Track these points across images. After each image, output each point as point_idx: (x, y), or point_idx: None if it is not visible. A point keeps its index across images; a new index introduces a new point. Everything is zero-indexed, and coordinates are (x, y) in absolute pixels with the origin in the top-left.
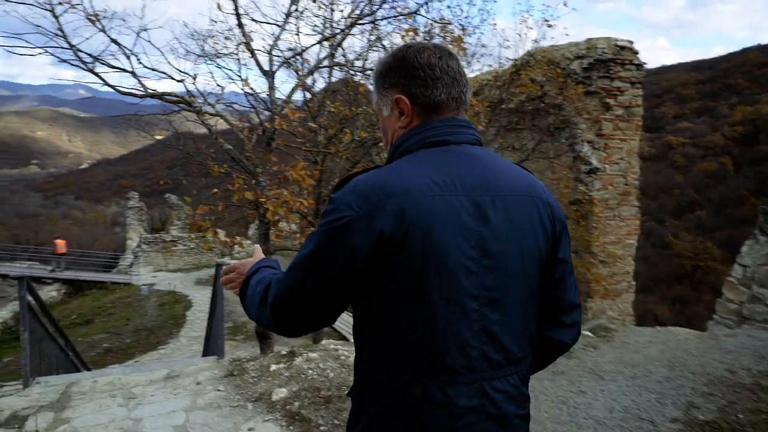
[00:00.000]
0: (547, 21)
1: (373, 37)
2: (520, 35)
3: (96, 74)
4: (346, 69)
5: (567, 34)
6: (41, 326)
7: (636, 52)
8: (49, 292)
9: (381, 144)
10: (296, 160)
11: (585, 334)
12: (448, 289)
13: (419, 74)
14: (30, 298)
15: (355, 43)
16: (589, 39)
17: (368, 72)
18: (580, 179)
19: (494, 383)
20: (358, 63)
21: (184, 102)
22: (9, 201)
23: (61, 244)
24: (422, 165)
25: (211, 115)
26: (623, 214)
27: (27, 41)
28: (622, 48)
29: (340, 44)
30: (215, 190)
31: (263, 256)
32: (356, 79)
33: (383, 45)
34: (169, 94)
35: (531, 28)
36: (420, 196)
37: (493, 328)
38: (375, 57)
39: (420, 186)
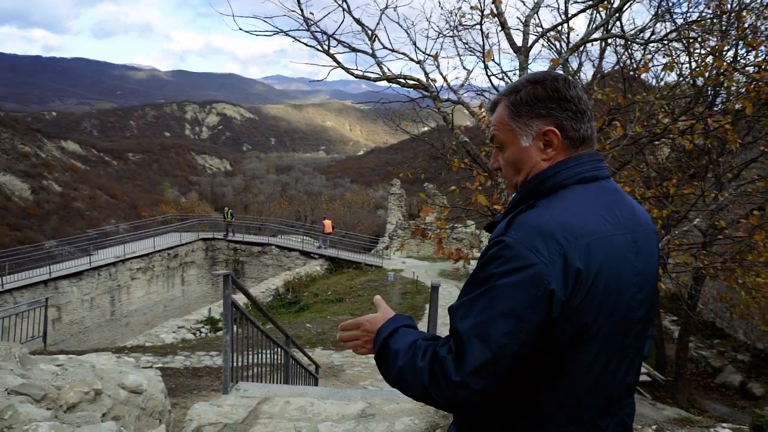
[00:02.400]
0: None
1: (663, 5)
2: None
3: (330, 55)
4: (625, 43)
5: None
6: (251, 324)
7: None
8: (313, 267)
9: (657, 142)
10: None
11: None
12: (620, 327)
13: (571, 107)
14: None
15: (635, 12)
16: None
17: (651, 47)
18: None
19: (627, 409)
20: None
21: (421, 86)
22: (301, 180)
23: (328, 224)
24: (590, 202)
25: (452, 102)
26: None
27: (273, 24)
28: None
29: (619, 10)
30: (453, 187)
31: (389, 309)
32: (635, 58)
33: (673, 18)
34: (405, 77)
35: None
36: (602, 236)
37: (636, 361)
38: (661, 30)
39: (598, 225)
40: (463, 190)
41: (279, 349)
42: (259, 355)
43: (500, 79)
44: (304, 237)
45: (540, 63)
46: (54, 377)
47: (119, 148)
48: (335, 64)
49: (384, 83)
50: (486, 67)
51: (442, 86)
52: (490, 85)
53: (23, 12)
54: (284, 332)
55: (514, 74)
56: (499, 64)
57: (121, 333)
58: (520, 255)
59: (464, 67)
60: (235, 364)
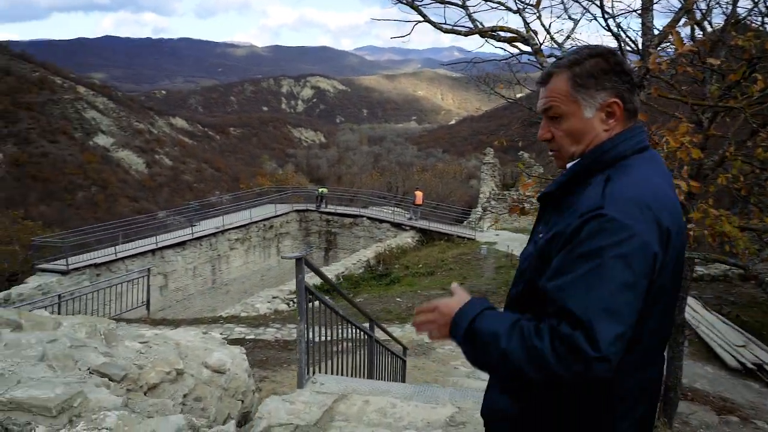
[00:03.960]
0: None
1: None
2: None
3: (414, 7)
4: None
5: None
6: (329, 308)
7: None
8: (404, 238)
9: None
10: (675, 120)
11: None
12: (677, 280)
13: (630, 80)
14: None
15: None
16: None
17: None
18: None
19: (660, 360)
20: None
21: (520, 39)
22: (393, 151)
23: (419, 196)
24: (655, 172)
25: (556, 57)
26: None
27: None
28: None
29: None
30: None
31: (466, 293)
32: None
33: None
34: (501, 28)
35: None
36: (672, 200)
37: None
38: None
39: (668, 191)
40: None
41: (362, 333)
42: (339, 342)
43: (615, 33)
44: (395, 208)
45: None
46: (137, 355)
47: (221, 123)
48: (420, 18)
49: (477, 46)
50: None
51: (543, 40)
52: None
53: None
54: (367, 315)
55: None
56: (613, 17)
57: (222, 300)
58: (624, 226)
59: (570, 17)
60: (310, 355)
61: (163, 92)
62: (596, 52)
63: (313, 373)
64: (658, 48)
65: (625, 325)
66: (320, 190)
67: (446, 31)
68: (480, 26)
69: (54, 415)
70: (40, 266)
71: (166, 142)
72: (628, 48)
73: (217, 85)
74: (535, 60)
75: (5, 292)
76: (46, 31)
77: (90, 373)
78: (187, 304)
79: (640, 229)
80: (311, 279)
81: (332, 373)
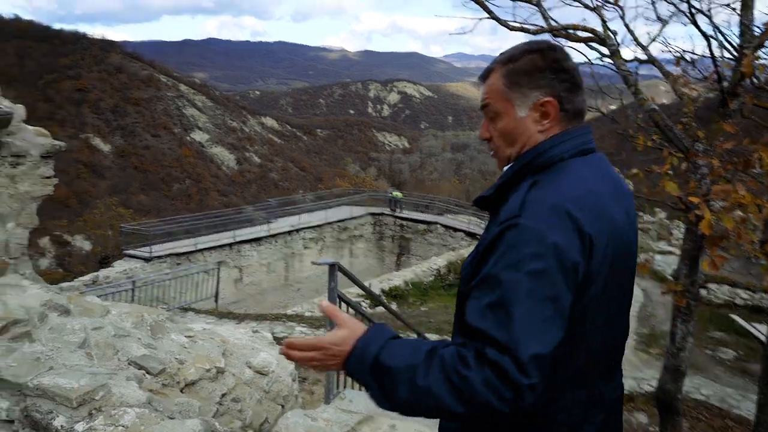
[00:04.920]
0: None
1: None
2: None
3: (480, 2)
4: None
5: None
6: (366, 319)
7: None
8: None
9: None
10: None
11: None
12: (620, 293)
13: (570, 79)
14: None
15: None
16: None
17: None
18: None
19: (619, 377)
20: None
21: (596, 39)
22: (476, 159)
23: None
24: (591, 176)
25: (638, 60)
26: None
27: None
28: None
29: None
30: (635, 170)
31: (354, 321)
32: None
33: None
34: (575, 27)
35: None
36: (606, 210)
37: (624, 330)
38: None
39: (601, 200)
40: (648, 174)
41: None
42: None
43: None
44: (471, 218)
45: None
46: (180, 350)
47: (309, 125)
48: (486, 15)
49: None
50: (694, 20)
51: (621, 41)
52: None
53: (236, 1)
54: (412, 328)
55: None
56: (709, 16)
57: (293, 297)
58: (540, 236)
59: (659, 17)
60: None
61: (257, 92)
62: (534, 47)
63: (344, 387)
64: (759, 50)
65: (549, 345)
66: (394, 193)
67: (513, 29)
68: (553, 24)
69: (74, 407)
70: (127, 252)
71: (257, 141)
72: (726, 52)
73: (307, 88)
74: (612, 63)
75: (93, 274)
76: (156, 32)
77: (128, 364)
78: (259, 299)
79: (555, 239)
80: (378, 287)
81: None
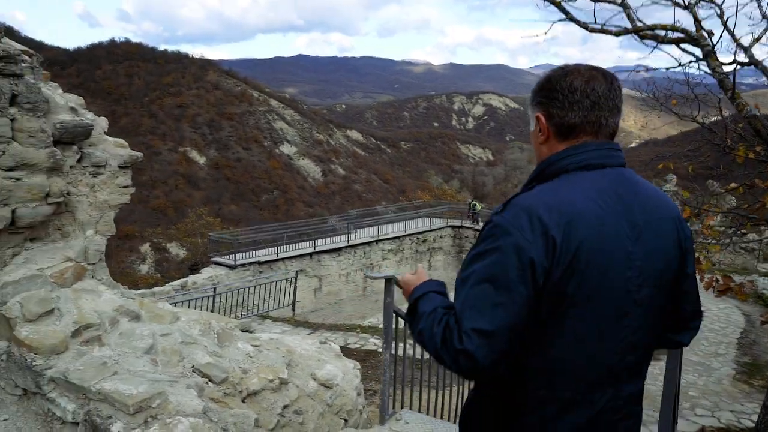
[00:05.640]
0: None
1: None
2: None
3: (557, 4)
4: None
5: None
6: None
7: None
8: None
9: None
10: None
11: None
12: (609, 305)
13: (558, 96)
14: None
15: None
16: None
17: None
18: None
19: (628, 388)
20: None
21: (687, 39)
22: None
23: None
24: (584, 186)
25: (738, 63)
26: None
27: None
28: None
29: None
30: (733, 184)
31: (425, 274)
32: None
33: None
34: (664, 26)
35: None
36: (587, 217)
37: (639, 341)
38: None
39: (586, 207)
40: (750, 189)
41: None
42: (439, 374)
43: None
44: None
45: None
46: (246, 358)
47: (393, 137)
48: (563, 16)
49: (666, 63)
50: None
51: (718, 40)
52: None
53: (325, 18)
54: None
55: None
56: None
57: (371, 308)
58: (506, 232)
59: (764, 15)
60: (396, 387)
61: (343, 106)
62: (551, 71)
63: (401, 407)
64: None
65: (494, 324)
66: (473, 203)
67: (593, 30)
68: (638, 25)
69: (131, 413)
70: (214, 259)
71: (342, 153)
72: None
73: (392, 101)
74: (706, 65)
75: (183, 279)
76: (251, 50)
77: (192, 371)
78: (338, 308)
79: (518, 236)
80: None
81: (423, 411)
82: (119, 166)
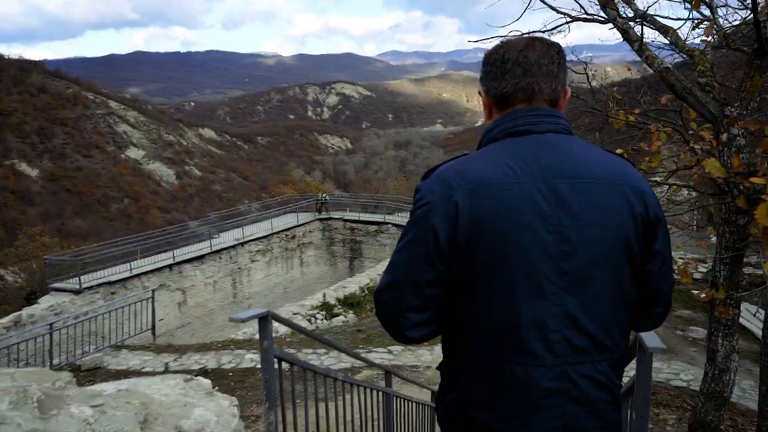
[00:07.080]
0: None
1: None
2: None
3: None
4: None
5: None
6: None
7: None
8: None
9: None
10: None
11: None
12: (526, 273)
13: (491, 69)
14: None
15: None
16: None
17: None
18: None
19: (579, 368)
20: None
21: None
22: (419, 155)
23: None
24: (502, 153)
25: (631, 20)
26: None
27: None
28: None
29: None
30: (619, 151)
31: None
32: None
33: None
34: None
35: None
36: (496, 182)
37: (574, 313)
38: None
39: (496, 172)
40: (634, 154)
41: (375, 391)
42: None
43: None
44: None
45: None
46: (83, 427)
47: (249, 133)
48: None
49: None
50: None
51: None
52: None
53: (163, 12)
54: (376, 365)
55: None
56: None
57: None
58: (422, 197)
59: None
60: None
61: (192, 104)
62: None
63: None
64: None
65: (393, 276)
66: (322, 195)
67: None
68: None
69: None
70: (53, 285)
71: (196, 153)
72: None
73: (244, 96)
74: (605, 13)
75: (15, 314)
76: (79, 48)
77: None
78: (207, 320)
79: (428, 199)
80: (333, 296)
81: None
82: None
